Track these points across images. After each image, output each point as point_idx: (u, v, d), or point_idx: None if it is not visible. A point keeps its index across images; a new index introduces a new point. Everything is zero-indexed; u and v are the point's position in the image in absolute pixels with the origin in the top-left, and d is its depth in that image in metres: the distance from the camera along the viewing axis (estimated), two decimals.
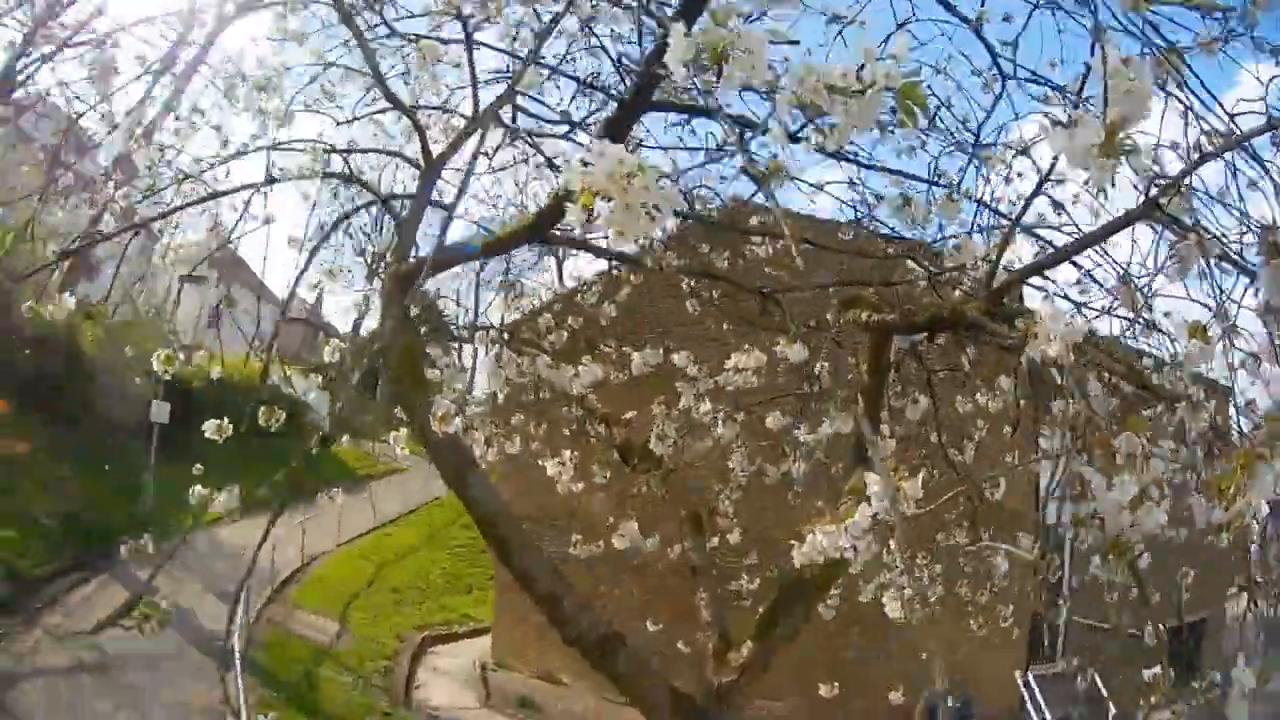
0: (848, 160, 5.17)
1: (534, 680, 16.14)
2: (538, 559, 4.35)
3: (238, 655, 12.99)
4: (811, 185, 5.54)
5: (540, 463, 7.88)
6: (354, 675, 15.41)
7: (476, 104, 6.73)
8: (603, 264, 7.75)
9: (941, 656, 10.58)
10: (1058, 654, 14.87)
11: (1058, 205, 4.69)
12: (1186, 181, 3.07)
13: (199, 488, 4.54)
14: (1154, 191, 2.96)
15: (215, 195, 6.74)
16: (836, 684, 8.70)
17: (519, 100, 7.32)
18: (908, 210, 4.18)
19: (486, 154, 7.90)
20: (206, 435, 5.10)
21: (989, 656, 12.17)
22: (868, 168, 5.28)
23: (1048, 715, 12.45)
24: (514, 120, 7.50)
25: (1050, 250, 4.00)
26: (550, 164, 7.29)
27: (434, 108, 7.67)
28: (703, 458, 5.32)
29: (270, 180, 6.55)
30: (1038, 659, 13.96)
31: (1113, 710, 12.01)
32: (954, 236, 4.61)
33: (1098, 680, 12.16)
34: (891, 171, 5.02)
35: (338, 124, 7.37)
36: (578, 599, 4.27)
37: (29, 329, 19.78)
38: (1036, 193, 4.07)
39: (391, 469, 30.07)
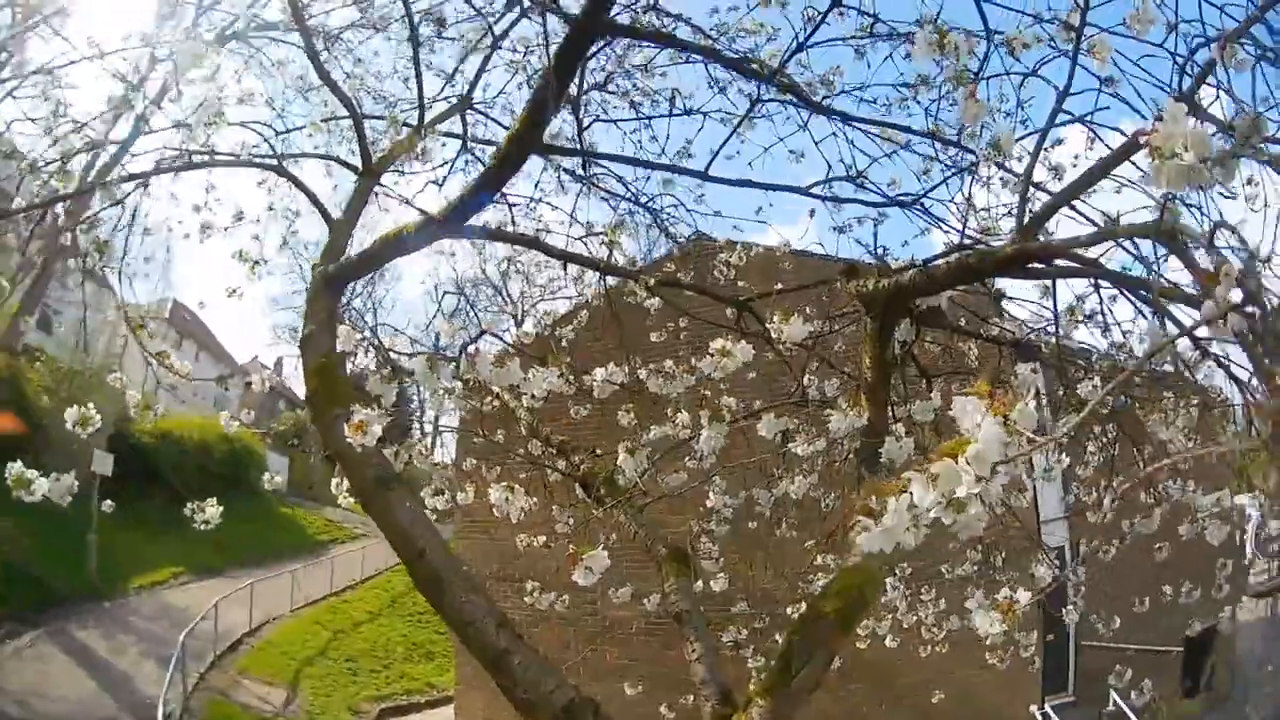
0: (834, 115, 4.54)
1: None
2: (480, 603, 3.49)
3: None
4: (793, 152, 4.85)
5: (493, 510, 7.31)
6: None
7: (422, 109, 6.15)
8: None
9: (951, 698, 9.91)
10: (1069, 682, 14.18)
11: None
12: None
13: None
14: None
15: (133, 177, 5.92)
16: None
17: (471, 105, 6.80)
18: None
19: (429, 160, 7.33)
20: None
21: (1003, 693, 11.44)
22: (856, 121, 4.64)
23: None
24: (464, 128, 6.89)
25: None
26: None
27: (376, 116, 7.18)
28: (680, 488, 4.52)
29: (190, 164, 5.91)
30: (1054, 689, 13.21)
31: None
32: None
33: (1119, 702, 11.68)
34: (883, 124, 4.39)
35: (277, 133, 6.83)
36: (533, 656, 3.39)
37: None
38: (1059, 108, 3.49)
39: (352, 535, 29.02)
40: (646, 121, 6.44)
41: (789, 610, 7.81)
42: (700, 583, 5.82)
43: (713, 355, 3.12)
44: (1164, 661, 12.13)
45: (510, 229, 6.47)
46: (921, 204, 4.63)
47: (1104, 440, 6.81)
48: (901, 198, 4.76)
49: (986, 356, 6.19)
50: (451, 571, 3.60)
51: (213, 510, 4.58)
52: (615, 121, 6.12)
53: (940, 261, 3.72)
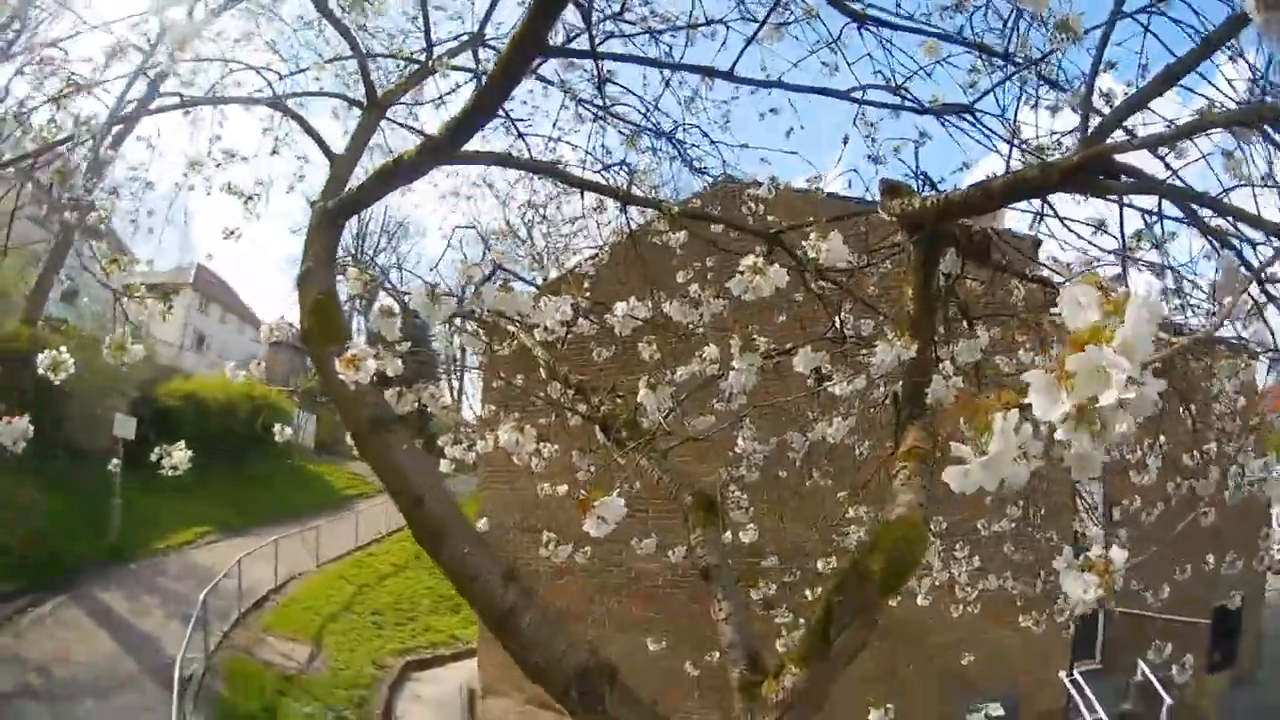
0: (870, 22, 4.13)
1: (527, 707, 14.56)
2: (484, 555, 3.17)
3: (176, 685, 11.65)
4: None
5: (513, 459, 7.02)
6: (323, 706, 14.10)
7: (429, 39, 5.82)
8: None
9: (981, 659, 9.63)
10: (1097, 649, 13.87)
11: None
12: None
13: None
14: None
15: (118, 120, 5.62)
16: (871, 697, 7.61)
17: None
18: None
19: (443, 100, 7.01)
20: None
21: (1033, 658, 11.20)
22: (899, 28, 4.23)
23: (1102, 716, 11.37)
24: (476, 63, 6.53)
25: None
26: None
27: (384, 55, 6.87)
28: (707, 431, 4.16)
29: (183, 103, 5.66)
30: (1081, 655, 12.93)
31: (1168, 701, 11.21)
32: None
33: (1148, 673, 11.46)
34: (924, 31, 3.98)
35: (281, 77, 6.53)
36: (544, 613, 3.07)
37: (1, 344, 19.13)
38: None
39: (378, 489, 28.96)
40: (667, 48, 6.02)
41: (820, 564, 7.52)
42: (729, 534, 5.50)
43: (743, 274, 2.74)
44: (1191, 633, 11.76)
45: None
46: (972, 113, 4.19)
47: None
48: (949, 107, 4.32)
49: (1031, 299, 5.86)
50: (453, 520, 3.29)
51: (180, 455, 4.23)
52: (630, 37, 5.68)
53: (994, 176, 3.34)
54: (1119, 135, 3.20)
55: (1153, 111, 3.72)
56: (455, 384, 31.16)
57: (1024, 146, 3.85)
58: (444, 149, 3.84)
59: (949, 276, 4.18)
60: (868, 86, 4.37)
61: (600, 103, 5.91)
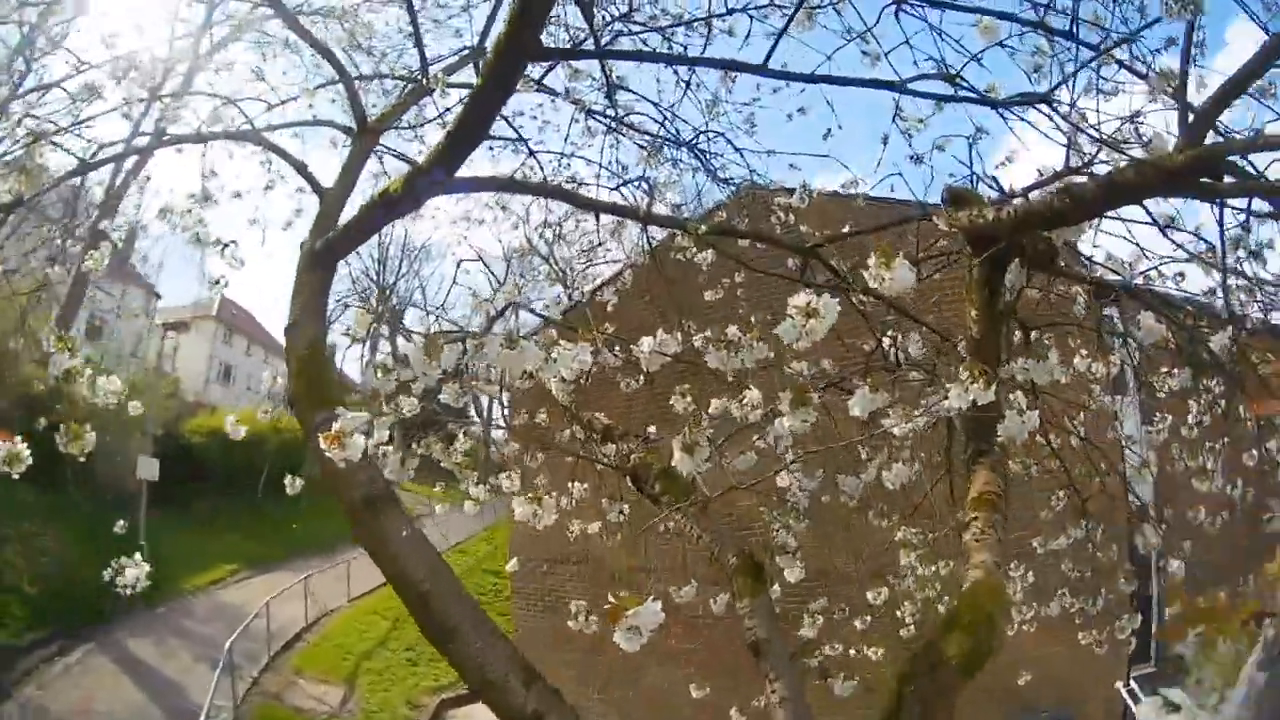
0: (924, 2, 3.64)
1: None
2: (501, 653, 2.71)
3: None
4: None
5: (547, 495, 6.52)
6: None
7: (423, 58, 5.41)
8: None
9: (1037, 678, 9.08)
10: (1151, 651, 13.21)
11: None
12: None
13: None
14: None
15: (100, 163, 5.28)
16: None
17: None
18: None
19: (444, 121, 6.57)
20: None
21: (1089, 669, 10.63)
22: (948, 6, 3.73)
23: None
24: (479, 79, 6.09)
25: None
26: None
27: (378, 76, 6.48)
28: (753, 484, 3.66)
29: (162, 141, 5.27)
30: (1135, 660, 12.38)
31: None
32: None
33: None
34: (985, 11, 3.48)
35: (270, 106, 6.15)
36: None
37: (20, 388, 18.95)
38: None
39: (410, 515, 28.54)
40: (682, 49, 5.53)
41: (870, 596, 7.02)
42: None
43: (794, 317, 2.25)
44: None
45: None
46: (1049, 103, 3.65)
47: (1209, 398, 6.03)
48: (1025, 96, 3.78)
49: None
50: (464, 615, 2.80)
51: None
52: (640, 35, 5.19)
53: (1085, 179, 2.82)
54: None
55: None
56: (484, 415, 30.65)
57: (1106, 140, 3.30)
58: (437, 175, 3.37)
59: (1017, 291, 3.68)
60: (916, 78, 3.84)
61: (612, 112, 5.43)
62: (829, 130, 5.63)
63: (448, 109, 5.94)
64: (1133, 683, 11.64)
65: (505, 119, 6.47)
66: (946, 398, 2.78)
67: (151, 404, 25.19)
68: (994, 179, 3.54)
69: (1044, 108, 3.68)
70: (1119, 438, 6.65)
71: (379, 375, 3.21)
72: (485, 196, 9.43)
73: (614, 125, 5.56)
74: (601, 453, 4.36)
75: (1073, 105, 3.52)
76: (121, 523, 13.18)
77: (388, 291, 47.97)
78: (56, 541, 17.28)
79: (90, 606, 16.54)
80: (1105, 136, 3.44)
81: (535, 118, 7.55)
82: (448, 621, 2.77)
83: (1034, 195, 3.41)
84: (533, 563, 13.17)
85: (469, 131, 3.24)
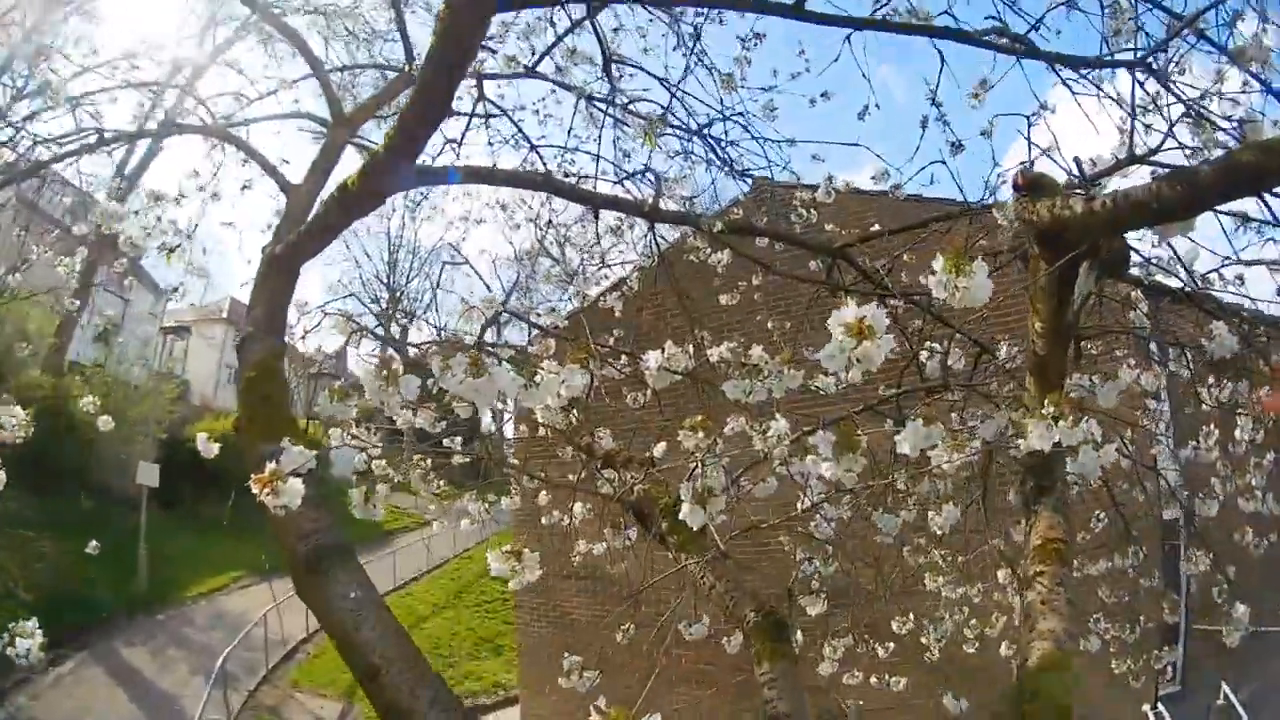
0: None
1: None
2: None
3: None
4: None
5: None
6: None
7: (408, 46, 4.94)
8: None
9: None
10: (1178, 671, 12.76)
11: None
12: None
13: None
14: None
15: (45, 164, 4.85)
16: None
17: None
18: None
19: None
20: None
21: (1114, 691, 10.14)
22: None
23: None
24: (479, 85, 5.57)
25: None
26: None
27: (352, 66, 6.02)
28: (773, 506, 3.14)
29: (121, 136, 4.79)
30: (1161, 679, 11.94)
31: None
32: None
33: (1231, 696, 10.66)
34: None
35: (248, 101, 5.70)
36: None
37: (19, 392, 18.62)
38: None
39: (420, 521, 28.17)
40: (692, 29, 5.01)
41: (895, 625, 6.54)
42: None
43: (842, 340, 1.72)
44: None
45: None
46: (1148, 65, 3.11)
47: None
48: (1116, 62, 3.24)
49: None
50: (422, 692, 2.30)
51: None
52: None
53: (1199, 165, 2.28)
54: None
55: None
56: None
57: (1208, 116, 2.77)
58: (396, 164, 2.86)
59: (1088, 299, 3.15)
60: (986, 32, 3.29)
61: (614, 96, 4.90)
62: (865, 108, 5.06)
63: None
64: (1160, 705, 11.20)
65: (506, 114, 6.00)
66: (1010, 431, 2.27)
67: (156, 408, 24.82)
68: (1076, 160, 2.99)
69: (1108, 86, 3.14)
70: (1157, 455, 6.17)
71: (333, 401, 2.70)
72: (485, 195, 8.93)
73: (612, 103, 5.02)
74: (604, 478, 3.86)
75: (1162, 73, 2.98)
76: (94, 543, 12.89)
77: (399, 294, 47.47)
78: (54, 547, 16.93)
79: (88, 613, 16.31)
80: (1194, 114, 2.90)
81: (537, 111, 7.03)
82: (400, 702, 2.27)
83: (1111, 185, 2.89)
84: (542, 577, 12.73)
85: (427, 107, 2.73)
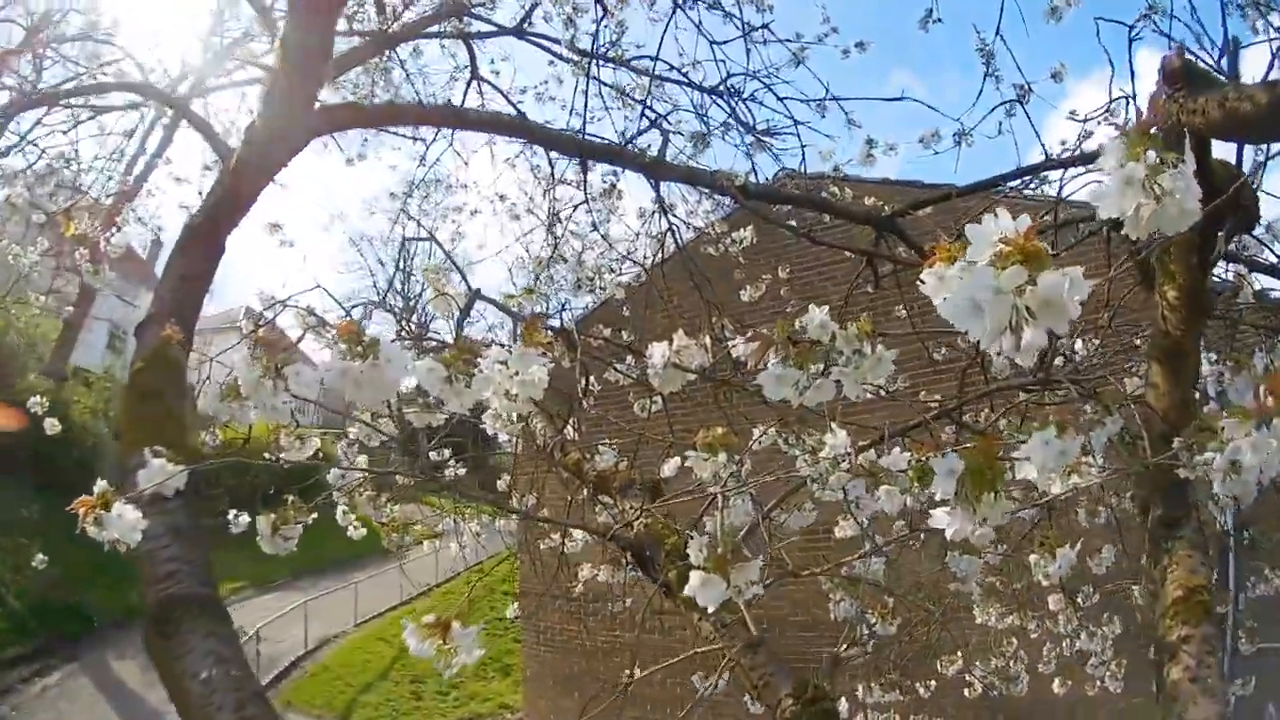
0: None
1: None
2: None
3: None
4: None
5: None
6: None
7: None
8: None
9: None
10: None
11: None
12: None
13: None
14: None
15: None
16: None
17: None
18: None
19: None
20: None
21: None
22: None
23: None
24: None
25: None
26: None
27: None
28: (819, 572, 2.38)
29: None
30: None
31: None
32: None
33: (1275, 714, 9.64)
34: None
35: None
36: None
37: (19, 396, 18.19)
38: None
39: (431, 534, 27.53)
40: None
41: (940, 665, 5.81)
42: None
43: (1001, 273, 0.97)
44: None
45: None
46: None
47: None
48: None
49: None
50: None
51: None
52: None
53: None
54: None
55: None
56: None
57: None
58: (291, 109, 2.15)
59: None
60: None
61: (610, 48, 4.16)
62: (929, 12, 4.17)
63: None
64: None
65: (503, 94, 5.32)
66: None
67: None
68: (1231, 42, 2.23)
69: None
70: None
71: (224, 400, 1.96)
72: (485, 190, 8.29)
73: (611, 60, 4.28)
74: (601, 504, 3.10)
75: None
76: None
77: (413, 302, 46.86)
78: (49, 553, 16.44)
79: (80, 621, 15.75)
80: None
81: (540, 94, 6.31)
82: None
83: None
84: (544, 597, 11.99)
85: (311, 31, 2.00)
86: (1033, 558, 2.53)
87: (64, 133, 5.87)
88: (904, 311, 5.54)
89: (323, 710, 14.96)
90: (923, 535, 2.44)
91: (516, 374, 1.42)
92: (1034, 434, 1.62)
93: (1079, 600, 5.10)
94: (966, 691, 5.91)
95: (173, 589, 1.92)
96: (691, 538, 2.16)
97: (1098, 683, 6.17)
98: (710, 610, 1.38)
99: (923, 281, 1.14)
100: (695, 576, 1.32)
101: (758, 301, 5.50)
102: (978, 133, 3.84)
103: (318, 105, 2.72)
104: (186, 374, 2.59)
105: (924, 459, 1.71)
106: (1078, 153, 3.29)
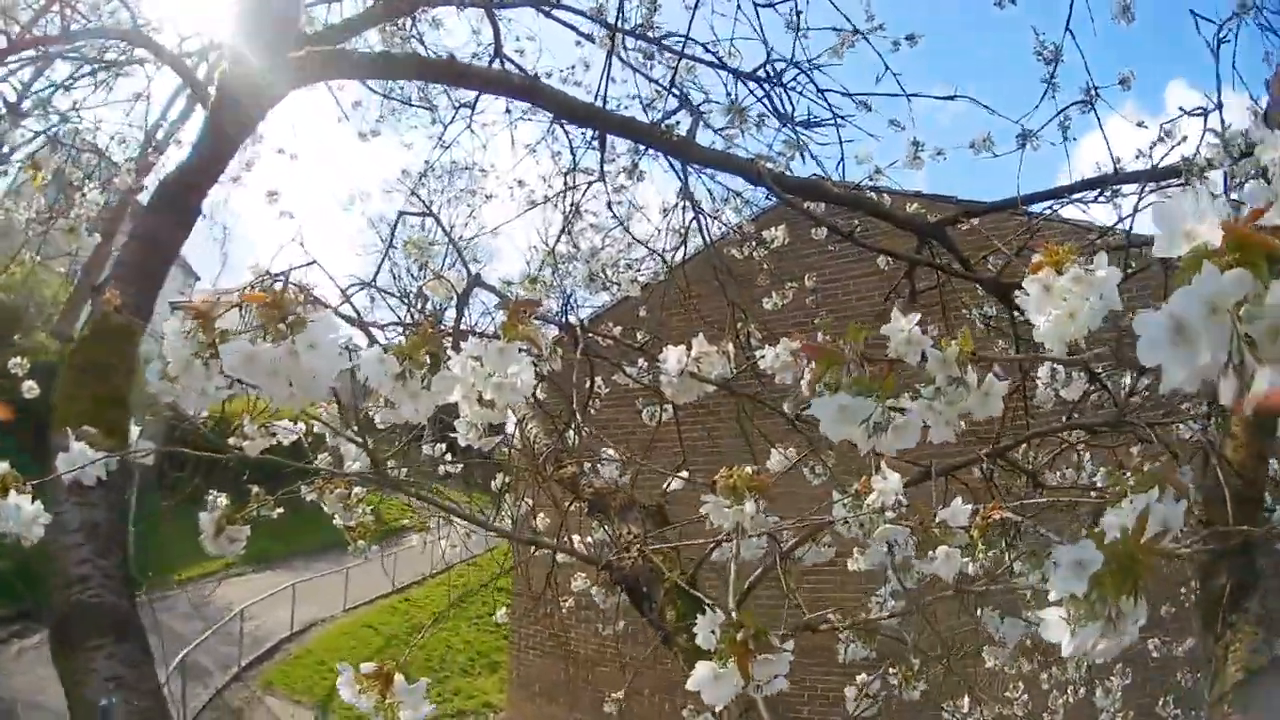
0: None
1: None
2: None
3: None
4: None
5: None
6: None
7: None
8: None
9: None
10: None
11: None
12: None
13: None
14: None
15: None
16: None
17: None
18: None
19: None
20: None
21: None
22: None
23: None
24: None
25: None
26: None
27: None
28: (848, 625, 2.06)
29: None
30: None
31: None
32: None
33: None
34: None
35: None
36: None
37: (25, 354, 17.97)
38: None
39: (434, 517, 27.35)
40: None
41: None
42: None
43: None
44: None
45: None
46: None
47: None
48: None
49: None
50: None
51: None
52: None
53: None
54: None
55: None
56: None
57: None
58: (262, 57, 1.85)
59: None
60: None
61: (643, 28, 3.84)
62: None
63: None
64: None
65: (527, 74, 5.01)
66: None
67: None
68: None
69: None
70: None
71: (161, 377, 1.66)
72: (503, 174, 7.96)
73: (643, 37, 3.96)
74: (598, 520, 2.78)
75: None
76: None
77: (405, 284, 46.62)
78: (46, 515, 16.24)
79: None
80: None
81: (565, 78, 5.99)
82: None
83: None
84: (534, 601, 11.66)
85: None
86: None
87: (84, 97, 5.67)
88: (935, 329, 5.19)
89: (303, 696, 14.62)
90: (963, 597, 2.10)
91: (494, 375, 1.11)
92: (1128, 493, 1.30)
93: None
94: None
95: (82, 595, 1.63)
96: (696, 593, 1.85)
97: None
98: (714, 705, 1.06)
99: (1014, 295, 0.82)
100: (704, 669, 1.01)
101: (781, 310, 5.19)
102: (1033, 142, 3.50)
103: (306, 50, 2.41)
104: (138, 346, 2.28)
105: (989, 517, 1.40)
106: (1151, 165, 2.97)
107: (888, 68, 3.85)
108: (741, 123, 3.73)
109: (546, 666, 12.06)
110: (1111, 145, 3.16)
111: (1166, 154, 3.07)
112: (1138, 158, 3.21)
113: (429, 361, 1.06)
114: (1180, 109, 2.93)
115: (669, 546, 2.20)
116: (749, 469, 1.28)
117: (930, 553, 1.41)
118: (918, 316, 1.05)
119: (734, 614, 1.04)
